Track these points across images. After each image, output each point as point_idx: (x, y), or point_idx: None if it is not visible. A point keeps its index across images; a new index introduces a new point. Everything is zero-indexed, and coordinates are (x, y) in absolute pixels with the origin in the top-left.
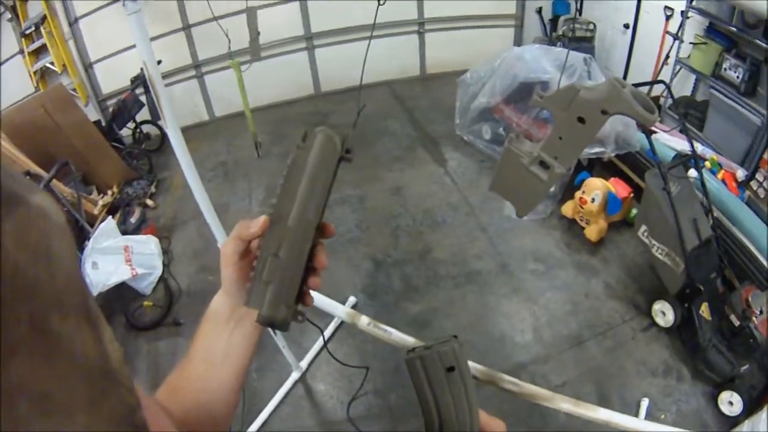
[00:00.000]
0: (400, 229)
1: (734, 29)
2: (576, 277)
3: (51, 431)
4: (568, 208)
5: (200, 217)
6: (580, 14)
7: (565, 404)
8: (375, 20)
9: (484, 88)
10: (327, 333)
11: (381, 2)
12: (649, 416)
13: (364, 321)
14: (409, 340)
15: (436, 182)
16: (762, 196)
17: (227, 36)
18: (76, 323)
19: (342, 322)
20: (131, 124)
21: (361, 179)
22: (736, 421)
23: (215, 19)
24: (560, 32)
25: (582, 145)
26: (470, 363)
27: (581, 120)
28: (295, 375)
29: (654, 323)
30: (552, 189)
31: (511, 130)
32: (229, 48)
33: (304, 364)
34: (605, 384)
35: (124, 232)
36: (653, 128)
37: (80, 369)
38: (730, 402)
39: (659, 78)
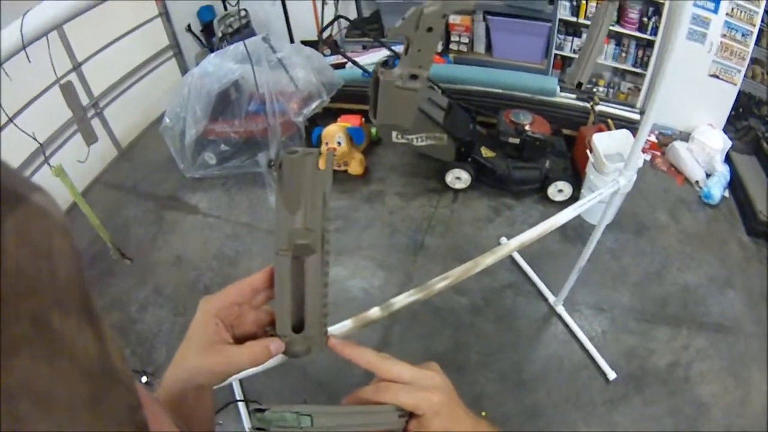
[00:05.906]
0: (209, 288)
1: None
2: (372, 208)
3: (52, 431)
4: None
5: None
6: (227, 8)
7: (478, 267)
8: None
9: (186, 120)
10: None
11: None
12: None
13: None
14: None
15: (203, 229)
16: (465, 50)
17: (35, 139)
18: (77, 322)
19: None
20: None
21: (142, 277)
22: (574, 196)
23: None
24: (219, 34)
25: (435, 48)
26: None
27: (429, 29)
28: None
29: (457, 190)
30: None
31: (230, 143)
32: (44, 153)
33: None
34: (464, 254)
35: None
36: (346, 60)
37: (81, 368)
38: (560, 190)
39: (324, 23)
